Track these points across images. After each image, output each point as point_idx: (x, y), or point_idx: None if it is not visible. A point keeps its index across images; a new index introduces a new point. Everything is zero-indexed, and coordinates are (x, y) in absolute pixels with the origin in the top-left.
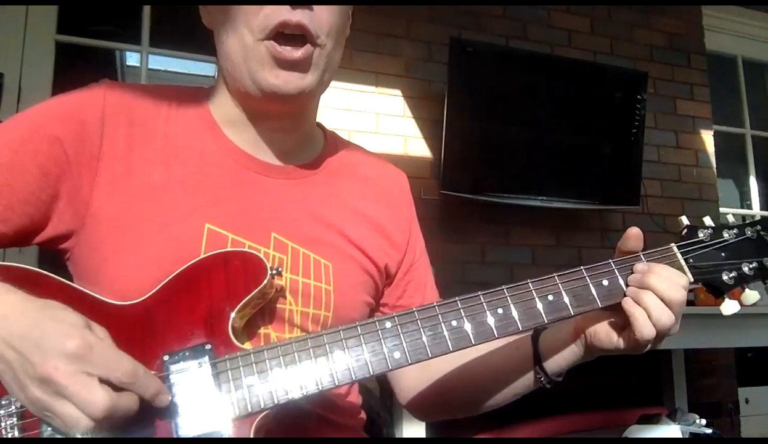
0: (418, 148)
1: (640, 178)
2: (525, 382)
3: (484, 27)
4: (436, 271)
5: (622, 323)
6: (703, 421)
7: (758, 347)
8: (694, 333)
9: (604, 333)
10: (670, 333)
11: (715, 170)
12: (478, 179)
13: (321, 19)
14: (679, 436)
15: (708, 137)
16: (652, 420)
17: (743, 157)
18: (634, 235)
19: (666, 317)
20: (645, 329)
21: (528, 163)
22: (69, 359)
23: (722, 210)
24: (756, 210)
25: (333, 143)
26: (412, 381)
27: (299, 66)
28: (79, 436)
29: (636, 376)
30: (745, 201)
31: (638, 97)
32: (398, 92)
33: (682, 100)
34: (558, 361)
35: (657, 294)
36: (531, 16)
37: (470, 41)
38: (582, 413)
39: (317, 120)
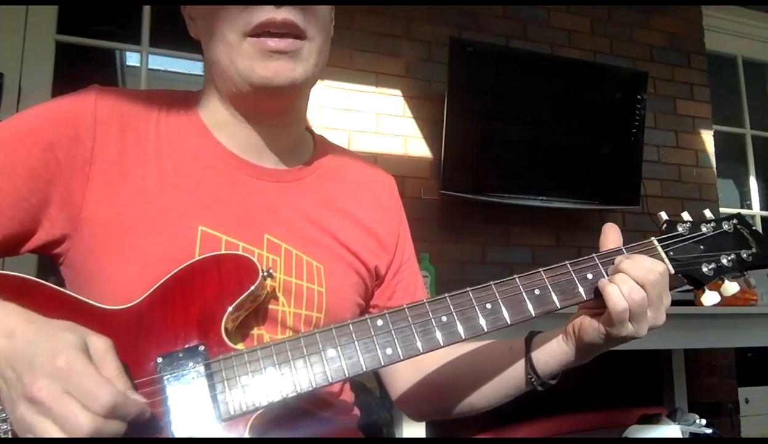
0: (418, 148)
1: (640, 178)
2: (516, 381)
3: (484, 27)
4: (436, 271)
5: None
6: (703, 421)
7: (758, 347)
8: (694, 333)
9: (588, 321)
10: (653, 320)
11: (715, 170)
12: (478, 179)
13: (307, 15)
14: (679, 436)
15: (708, 137)
16: (652, 420)
17: (743, 157)
18: (611, 229)
19: (636, 293)
20: (618, 303)
21: (528, 163)
22: (53, 379)
23: (722, 210)
24: (756, 210)
25: (322, 147)
26: (405, 379)
27: (287, 55)
28: None
29: (636, 376)
30: (745, 201)
31: (638, 97)
32: (398, 92)
33: (682, 100)
34: (548, 361)
35: (628, 274)
36: (531, 16)
37: (470, 41)
38: (582, 413)
39: (307, 125)
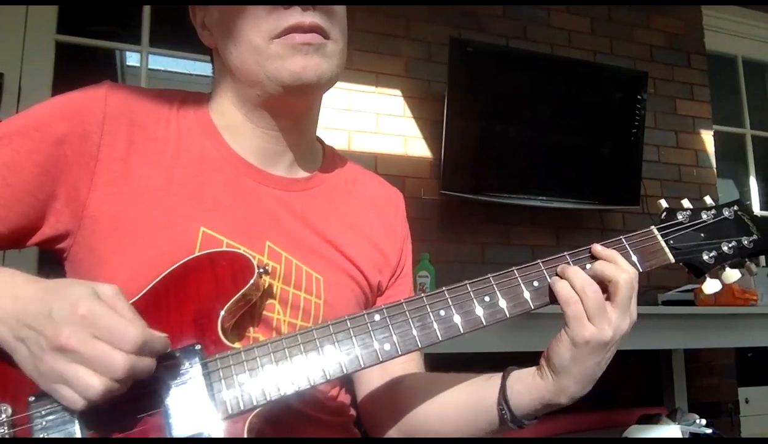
0: (418, 148)
1: (640, 178)
2: (486, 414)
3: (484, 27)
4: (436, 271)
5: None
6: (703, 421)
7: (758, 347)
8: (694, 333)
9: (555, 338)
10: (619, 322)
11: (715, 170)
12: (478, 179)
13: (331, 18)
14: (679, 436)
15: (708, 137)
16: (652, 420)
17: (743, 157)
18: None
19: (589, 286)
20: (569, 297)
21: (528, 163)
22: (80, 327)
23: None
24: (756, 210)
25: (332, 159)
26: (373, 384)
27: (314, 49)
28: (90, 399)
29: (636, 376)
30: (745, 201)
31: (638, 97)
32: (398, 92)
33: (682, 100)
34: (522, 392)
35: (600, 272)
36: (531, 16)
37: (470, 41)
38: (582, 413)
39: (318, 136)
